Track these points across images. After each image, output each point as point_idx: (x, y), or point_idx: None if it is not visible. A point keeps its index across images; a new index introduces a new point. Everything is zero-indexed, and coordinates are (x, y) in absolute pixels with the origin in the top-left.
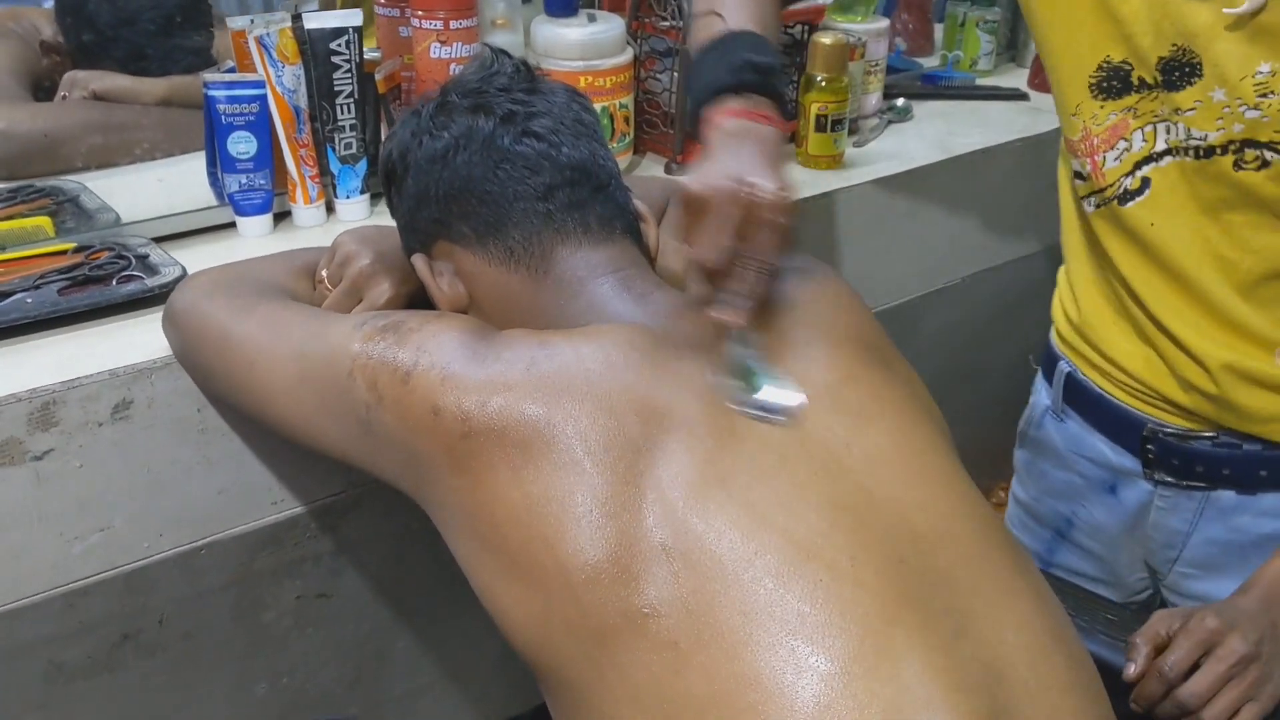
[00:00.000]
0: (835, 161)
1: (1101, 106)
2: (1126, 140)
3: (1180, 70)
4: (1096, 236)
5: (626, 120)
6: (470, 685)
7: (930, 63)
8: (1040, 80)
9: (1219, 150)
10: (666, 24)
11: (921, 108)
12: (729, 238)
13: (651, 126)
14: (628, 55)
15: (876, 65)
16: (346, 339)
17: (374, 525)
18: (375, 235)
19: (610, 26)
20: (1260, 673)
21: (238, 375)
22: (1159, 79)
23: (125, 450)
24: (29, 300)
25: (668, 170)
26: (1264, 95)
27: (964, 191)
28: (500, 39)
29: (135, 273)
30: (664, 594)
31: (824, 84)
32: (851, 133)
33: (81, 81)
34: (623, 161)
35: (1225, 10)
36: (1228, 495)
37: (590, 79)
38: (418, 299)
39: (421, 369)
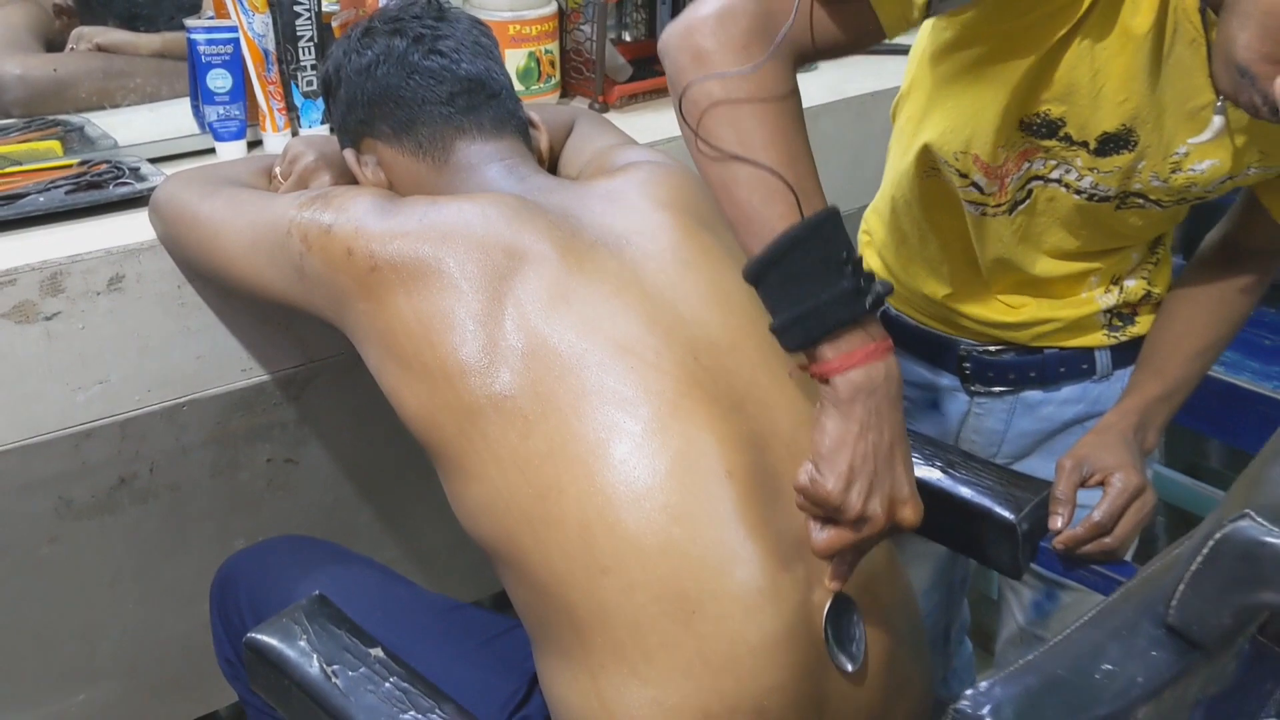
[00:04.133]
0: None
1: (1023, 137)
2: (1029, 163)
3: (1117, 142)
4: (955, 210)
5: (552, 64)
6: (431, 567)
7: None
8: None
9: (1113, 199)
10: None
11: (829, 63)
12: (857, 555)
13: (577, 73)
14: (552, 7)
15: None
16: (286, 207)
17: (333, 398)
18: (320, 140)
19: None
20: (1152, 497)
21: (205, 245)
22: (1093, 147)
23: (119, 316)
24: (41, 199)
25: (591, 108)
26: (1174, 170)
27: (856, 132)
28: None
29: (128, 180)
30: (518, 381)
31: None
32: None
33: (87, 35)
34: (550, 100)
35: (1190, 140)
36: (1034, 394)
37: (519, 27)
38: None
39: (340, 224)
